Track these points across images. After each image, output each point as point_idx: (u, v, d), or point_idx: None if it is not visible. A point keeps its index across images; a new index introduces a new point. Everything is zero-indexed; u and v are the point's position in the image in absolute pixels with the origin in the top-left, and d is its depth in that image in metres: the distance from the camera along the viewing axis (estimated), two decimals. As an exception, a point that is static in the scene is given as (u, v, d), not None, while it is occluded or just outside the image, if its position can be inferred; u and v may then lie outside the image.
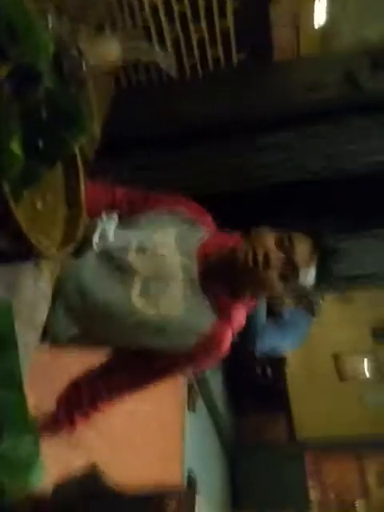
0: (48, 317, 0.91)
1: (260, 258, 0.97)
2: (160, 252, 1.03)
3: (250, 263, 0.98)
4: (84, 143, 0.63)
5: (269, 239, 1.01)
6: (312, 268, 1.01)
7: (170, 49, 2.62)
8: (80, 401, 1.09)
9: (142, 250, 1.02)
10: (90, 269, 0.99)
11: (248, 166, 2.31)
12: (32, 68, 0.59)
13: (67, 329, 1.02)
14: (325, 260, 1.03)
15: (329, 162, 2.37)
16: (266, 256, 0.98)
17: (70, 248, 0.62)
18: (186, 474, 3.52)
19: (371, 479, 5.37)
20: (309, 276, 1.01)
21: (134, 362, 1.08)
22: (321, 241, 1.03)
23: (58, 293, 0.98)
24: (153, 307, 1.00)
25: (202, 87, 2.43)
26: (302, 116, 2.30)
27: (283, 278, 0.99)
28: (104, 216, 0.73)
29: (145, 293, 1.00)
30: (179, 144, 2.09)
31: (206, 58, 2.68)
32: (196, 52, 2.67)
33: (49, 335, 1.02)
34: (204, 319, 1.03)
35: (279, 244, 1.00)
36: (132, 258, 1.01)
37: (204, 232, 1.10)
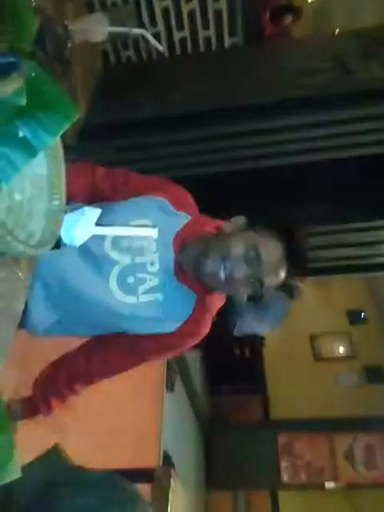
0: (27, 305, 0.90)
1: (225, 274, 0.96)
2: (137, 242, 1.02)
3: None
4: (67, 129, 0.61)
5: (236, 250, 0.97)
6: (279, 275, 1.00)
7: (160, 25, 2.55)
8: (56, 384, 1.09)
9: (118, 240, 1.00)
10: (68, 258, 0.98)
11: (232, 150, 2.28)
12: (13, 54, 0.55)
13: (46, 317, 1.01)
14: (295, 260, 1.03)
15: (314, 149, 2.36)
16: (231, 272, 0.96)
17: (50, 245, 0.60)
18: (162, 454, 3.56)
19: (341, 460, 5.54)
20: (275, 281, 1.00)
21: (113, 348, 1.08)
22: (292, 241, 1.03)
23: (37, 282, 0.97)
24: (131, 296, 1.00)
25: (191, 69, 2.37)
26: (293, 101, 2.27)
27: (248, 287, 0.99)
28: (85, 209, 0.71)
29: (122, 282, 1.00)
30: (164, 127, 2.04)
31: (197, 37, 2.62)
32: (187, 30, 2.60)
33: (28, 323, 1.01)
34: (181, 307, 1.03)
35: (246, 258, 0.97)
36: (108, 248, 1.00)
37: (185, 217, 1.09)
